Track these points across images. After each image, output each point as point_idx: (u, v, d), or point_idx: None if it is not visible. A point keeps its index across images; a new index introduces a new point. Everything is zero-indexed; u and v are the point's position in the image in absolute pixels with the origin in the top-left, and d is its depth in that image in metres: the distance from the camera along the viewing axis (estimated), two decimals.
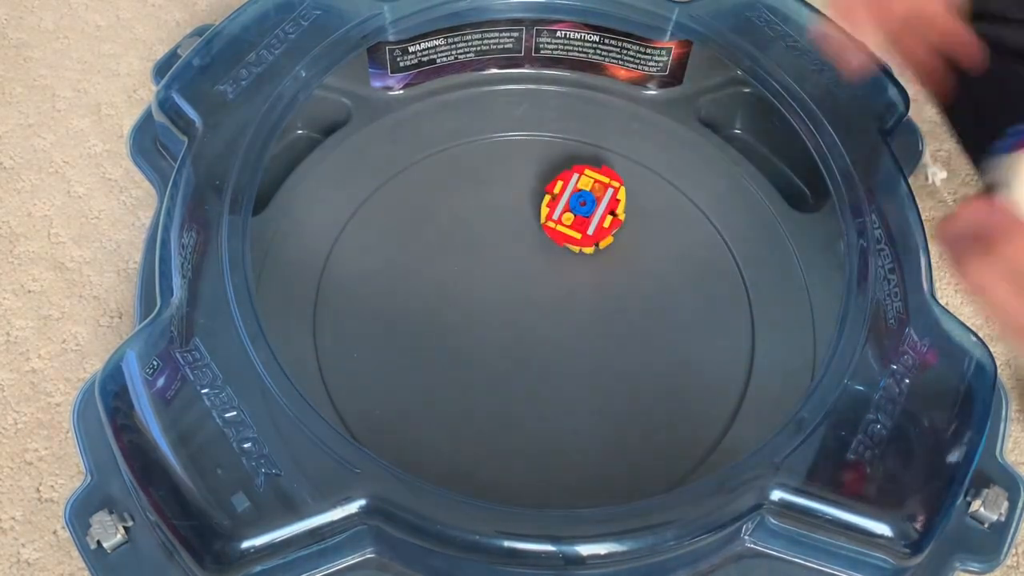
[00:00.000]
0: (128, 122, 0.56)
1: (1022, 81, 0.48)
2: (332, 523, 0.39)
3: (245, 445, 0.39)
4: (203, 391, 0.41)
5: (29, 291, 0.54)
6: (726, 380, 0.50)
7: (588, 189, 0.54)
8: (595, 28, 0.58)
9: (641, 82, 0.60)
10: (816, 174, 0.50)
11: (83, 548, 0.40)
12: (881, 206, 0.48)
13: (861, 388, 0.42)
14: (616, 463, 0.48)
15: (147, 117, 0.53)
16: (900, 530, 0.39)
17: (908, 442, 0.41)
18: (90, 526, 0.40)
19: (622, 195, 0.54)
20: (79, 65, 0.64)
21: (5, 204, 0.57)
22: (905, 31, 0.42)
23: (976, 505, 0.42)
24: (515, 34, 0.59)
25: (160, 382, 0.41)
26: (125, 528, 0.40)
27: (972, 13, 0.53)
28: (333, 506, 0.38)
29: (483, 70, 0.61)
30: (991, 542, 0.42)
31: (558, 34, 0.59)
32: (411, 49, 0.57)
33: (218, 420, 0.40)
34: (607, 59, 0.60)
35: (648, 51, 0.58)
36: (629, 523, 0.39)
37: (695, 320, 0.52)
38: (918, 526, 0.40)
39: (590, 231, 0.53)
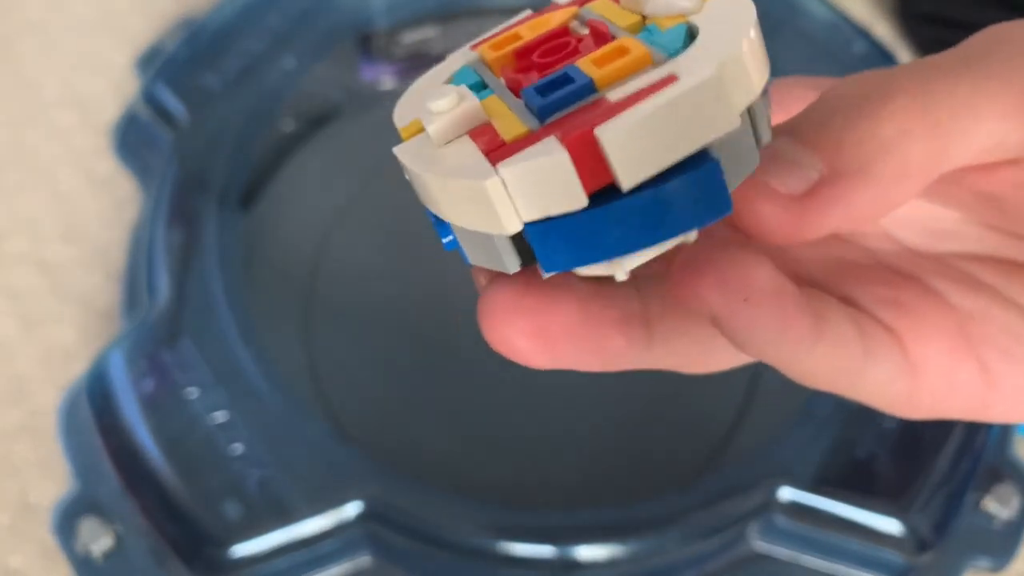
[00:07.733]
0: (115, 117, 0.56)
1: None
2: (327, 528, 0.38)
3: (236, 448, 0.39)
4: (192, 393, 0.40)
5: (14, 292, 0.53)
6: (732, 378, 0.49)
7: None
8: None
9: None
10: None
11: (71, 555, 0.39)
12: None
13: None
14: (620, 464, 0.47)
15: (131, 111, 0.53)
16: (910, 527, 0.39)
17: (917, 439, 0.40)
18: (78, 532, 0.39)
19: None
20: (66, 59, 0.63)
21: None
22: None
23: (988, 503, 0.42)
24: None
25: (148, 384, 0.40)
26: (114, 534, 0.39)
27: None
28: (327, 510, 0.38)
29: None
30: (1003, 540, 0.42)
31: None
32: (403, 40, 0.57)
33: (208, 422, 0.39)
34: None
35: None
36: (634, 524, 0.39)
37: None
38: (928, 523, 0.39)
39: None
